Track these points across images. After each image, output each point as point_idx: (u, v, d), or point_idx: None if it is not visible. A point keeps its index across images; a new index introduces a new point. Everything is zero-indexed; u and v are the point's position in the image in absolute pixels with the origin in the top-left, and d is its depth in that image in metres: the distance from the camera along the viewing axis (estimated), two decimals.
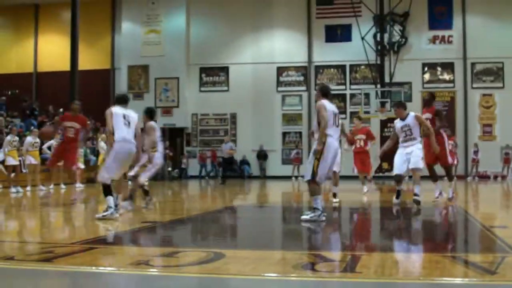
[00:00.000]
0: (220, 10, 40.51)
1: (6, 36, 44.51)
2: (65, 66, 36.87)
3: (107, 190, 11.46)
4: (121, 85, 41.20)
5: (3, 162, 24.71)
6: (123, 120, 11.75)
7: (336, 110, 11.23)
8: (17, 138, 23.58)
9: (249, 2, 40.21)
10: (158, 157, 13.54)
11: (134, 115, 11.98)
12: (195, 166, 39.79)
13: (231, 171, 30.13)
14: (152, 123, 13.56)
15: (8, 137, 23.55)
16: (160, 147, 13.75)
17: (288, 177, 37.05)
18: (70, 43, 35.74)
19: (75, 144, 16.27)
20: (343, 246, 8.70)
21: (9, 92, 37.80)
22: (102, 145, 28.75)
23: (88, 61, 40.03)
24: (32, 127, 27.38)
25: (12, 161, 23.26)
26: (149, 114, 13.85)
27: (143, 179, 13.31)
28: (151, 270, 6.25)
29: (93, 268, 6.23)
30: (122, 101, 12.19)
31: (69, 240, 8.89)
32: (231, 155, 30.17)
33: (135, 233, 9.85)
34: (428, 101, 16.63)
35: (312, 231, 10.25)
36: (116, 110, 11.86)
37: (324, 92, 11.48)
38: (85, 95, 36.33)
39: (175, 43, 40.29)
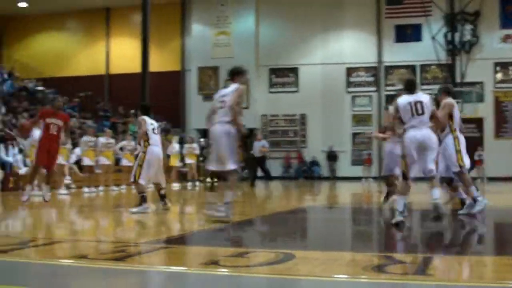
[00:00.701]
0: (289, 11, 40.51)
1: (78, 39, 45.28)
2: (136, 68, 37.29)
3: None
4: (191, 86, 41.55)
5: (77, 162, 25.15)
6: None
7: None
8: (93, 139, 23.92)
9: (319, 3, 40.12)
10: (150, 152, 13.38)
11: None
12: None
13: (263, 171, 28.78)
14: (141, 117, 13.69)
15: (84, 138, 23.93)
16: (153, 140, 13.62)
17: (358, 178, 36.87)
18: (141, 45, 36.14)
19: (57, 144, 16.00)
20: (414, 247, 8.62)
21: (82, 94, 38.45)
22: (174, 146, 29.03)
23: (159, 63, 40.43)
24: (104, 128, 27.78)
25: (88, 161, 23.63)
26: (142, 109, 14.39)
27: (142, 181, 13.29)
28: (222, 270, 6.28)
29: (164, 267, 6.30)
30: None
31: (141, 239, 9.00)
32: (263, 154, 28.74)
33: (205, 233, 9.91)
34: None
35: (382, 233, 10.18)
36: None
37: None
38: (156, 97, 36.76)
39: (245, 44, 40.45)
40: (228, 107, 10.80)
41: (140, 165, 13.04)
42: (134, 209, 12.80)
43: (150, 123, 13.48)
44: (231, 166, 10.62)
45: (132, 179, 13.32)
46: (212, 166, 11.11)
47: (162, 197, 13.66)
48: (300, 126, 40.02)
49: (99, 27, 44.41)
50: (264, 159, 28.61)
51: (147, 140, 13.22)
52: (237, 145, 10.73)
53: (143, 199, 12.92)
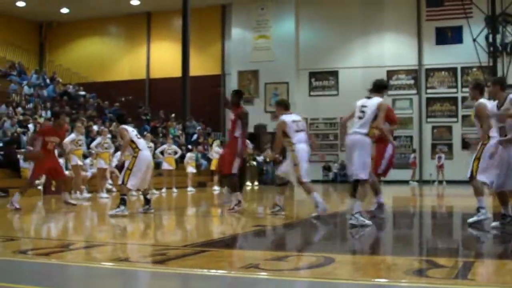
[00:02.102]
0: (329, 14, 40.47)
1: (120, 44, 45.69)
2: (177, 72, 37.65)
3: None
4: (231, 90, 41.66)
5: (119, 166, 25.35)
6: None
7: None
8: (152, 144, 24.12)
9: (358, 6, 40.02)
10: (139, 157, 13.42)
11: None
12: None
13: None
14: (121, 126, 13.75)
15: None
16: (141, 145, 13.66)
17: (401, 182, 36.64)
18: (182, 49, 36.48)
19: (54, 156, 15.97)
20: (456, 252, 8.57)
21: (123, 98, 38.75)
22: (216, 150, 29.07)
23: (199, 67, 40.61)
24: (145, 132, 27.96)
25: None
26: (119, 118, 14.90)
27: (130, 185, 13.30)
28: (262, 273, 6.29)
29: (205, 270, 6.32)
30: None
31: (182, 242, 9.05)
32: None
33: (245, 237, 9.94)
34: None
35: (423, 236, 10.12)
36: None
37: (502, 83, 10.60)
38: (196, 100, 36.97)
39: (285, 48, 40.49)
40: (368, 121, 10.86)
41: (130, 169, 13.10)
42: (112, 212, 12.92)
43: (131, 130, 13.65)
44: (360, 175, 10.60)
45: (120, 182, 13.40)
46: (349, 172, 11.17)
47: (147, 201, 13.85)
48: (340, 129, 39.93)
49: (140, 32, 44.72)
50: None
51: (136, 146, 13.34)
52: (370, 156, 10.93)
53: (122, 201, 13.00)
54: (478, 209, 10.53)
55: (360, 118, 10.94)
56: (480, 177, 10.46)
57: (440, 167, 37.00)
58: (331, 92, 40.25)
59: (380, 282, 5.90)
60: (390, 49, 39.91)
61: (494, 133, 10.21)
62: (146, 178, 13.75)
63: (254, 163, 33.18)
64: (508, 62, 37.00)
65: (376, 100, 11.00)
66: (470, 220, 10.58)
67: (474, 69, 38.32)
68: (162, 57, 43.72)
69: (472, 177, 10.48)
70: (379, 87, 11.53)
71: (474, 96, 10.76)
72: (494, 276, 6.41)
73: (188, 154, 28.53)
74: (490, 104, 10.31)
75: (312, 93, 40.73)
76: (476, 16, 37.27)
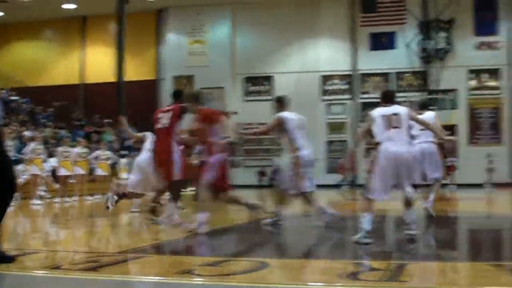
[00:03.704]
0: (265, 19, 40.54)
1: (54, 48, 45.03)
2: (112, 77, 37.27)
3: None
4: (166, 95, 41.48)
5: (52, 172, 25.02)
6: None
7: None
8: (69, 149, 23.82)
9: (294, 12, 40.21)
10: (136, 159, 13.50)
11: None
12: (242, 175, 39.65)
13: None
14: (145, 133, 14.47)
15: (60, 148, 23.80)
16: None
17: (333, 186, 36.99)
18: (116, 54, 36.13)
19: None
20: (389, 254, 8.65)
21: (57, 104, 38.27)
22: None
23: (134, 72, 40.29)
24: (78, 138, 27.68)
25: (64, 171, 23.53)
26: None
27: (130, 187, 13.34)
28: (197, 279, 6.27)
29: (138, 277, 6.27)
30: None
31: (115, 249, 8.97)
32: None
33: (180, 242, 9.89)
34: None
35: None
36: None
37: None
38: (131, 106, 36.64)
39: (220, 53, 40.46)
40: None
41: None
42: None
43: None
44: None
45: None
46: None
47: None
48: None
49: (74, 36, 44.18)
50: None
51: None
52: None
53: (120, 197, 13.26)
54: None
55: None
56: None
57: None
58: (267, 97, 40.21)
59: (314, 285, 5.92)
60: (325, 54, 40.18)
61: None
62: (144, 182, 13.51)
63: None
64: (440, 68, 37.58)
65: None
66: None
67: (408, 74, 38.82)
68: (97, 62, 43.27)
69: None
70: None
71: None
72: (426, 277, 6.49)
73: (122, 160, 28.28)
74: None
75: (247, 98, 40.73)
76: (410, 22, 37.79)
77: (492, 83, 37.92)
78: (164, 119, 12.30)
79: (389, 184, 9.24)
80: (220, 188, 11.15)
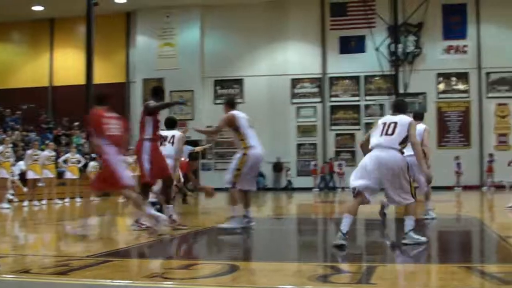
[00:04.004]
0: (235, 22, 40.57)
1: (22, 50, 44.72)
2: (81, 80, 37.07)
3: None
4: (136, 98, 41.33)
5: (21, 176, 24.84)
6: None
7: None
8: (38, 152, 23.63)
9: (263, 15, 40.28)
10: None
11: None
12: (210, 178, 39.55)
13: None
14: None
15: (29, 151, 23.62)
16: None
17: (303, 189, 37.13)
18: (85, 57, 35.92)
19: None
20: (359, 257, 8.68)
21: (25, 107, 37.97)
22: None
23: (103, 74, 40.13)
24: (47, 141, 27.49)
25: (33, 175, 23.36)
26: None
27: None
28: (166, 283, 6.25)
29: (108, 281, 6.24)
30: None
31: (85, 253, 8.92)
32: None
33: (150, 246, 9.86)
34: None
35: (327, 243, 10.23)
36: None
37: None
38: None
39: (190, 56, 40.42)
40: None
41: None
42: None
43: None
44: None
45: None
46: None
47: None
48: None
49: (43, 38, 43.87)
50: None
51: None
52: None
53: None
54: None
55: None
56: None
57: (341, 174, 37.78)
58: (236, 100, 40.27)
59: None
60: (295, 58, 40.30)
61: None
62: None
63: None
64: (409, 71, 37.82)
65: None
66: None
67: (377, 78, 39.05)
68: (66, 64, 43.00)
69: None
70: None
71: None
72: (396, 280, 6.52)
73: (92, 163, 28.15)
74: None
75: (217, 101, 40.62)
76: (379, 26, 38.01)
77: (461, 87, 38.27)
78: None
79: (369, 178, 9.07)
80: (111, 186, 11.03)
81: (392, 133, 9.20)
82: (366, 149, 9.44)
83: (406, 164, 9.14)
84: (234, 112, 11.97)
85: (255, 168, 11.99)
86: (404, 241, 9.05)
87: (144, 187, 11.71)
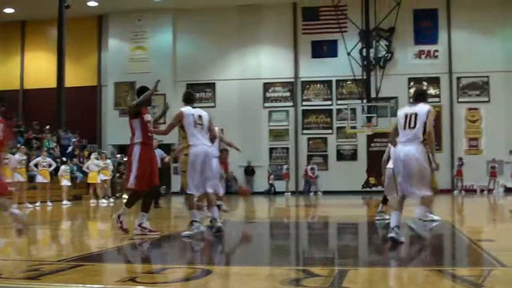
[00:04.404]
0: (207, 26, 40.50)
1: None
2: (52, 83, 36.88)
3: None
4: (108, 101, 41.17)
5: None
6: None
7: None
8: (9, 156, 23.37)
9: (236, 19, 40.29)
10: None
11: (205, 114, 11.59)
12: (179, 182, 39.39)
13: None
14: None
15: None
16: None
17: (276, 193, 37.24)
18: (57, 60, 35.78)
19: None
20: (331, 261, 8.70)
21: None
22: (96, 162, 28.83)
23: (75, 78, 39.99)
24: (18, 144, 27.28)
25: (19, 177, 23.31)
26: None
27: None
28: (139, 287, 6.23)
29: (80, 285, 6.21)
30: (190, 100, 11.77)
31: (56, 257, 8.86)
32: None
33: (122, 250, 9.82)
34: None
35: (300, 246, 10.24)
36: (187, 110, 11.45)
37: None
38: (72, 112, 36.32)
39: (162, 59, 40.28)
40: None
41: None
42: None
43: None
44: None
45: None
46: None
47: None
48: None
49: (14, 41, 43.51)
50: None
51: None
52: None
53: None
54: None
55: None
56: None
57: (313, 178, 37.86)
58: (209, 104, 40.16)
59: None
60: (267, 62, 40.35)
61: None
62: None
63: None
64: (381, 75, 37.98)
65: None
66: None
67: (349, 82, 39.19)
68: (37, 67, 42.71)
69: None
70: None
71: None
72: (368, 283, 6.54)
73: (63, 167, 28.00)
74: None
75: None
76: (351, 31, 38.11)
77: (432, 91, 38.46)
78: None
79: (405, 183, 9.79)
80: None
81: (414, 126, 9.68)
82: (394, 141, 10.07)
83: (427, 158, 9.72)
84: (184, 108, 11.43)
85: (199, 167, 11.09)
86: (408, 223, 9.77)
87: (133, 196, 11.49)
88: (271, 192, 38.70)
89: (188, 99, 11.84)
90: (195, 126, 11.28)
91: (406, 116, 9.82)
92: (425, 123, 9.63)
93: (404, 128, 9.77)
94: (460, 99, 38.61)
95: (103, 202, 27.60)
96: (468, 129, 38.15)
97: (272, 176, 39.40)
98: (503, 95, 37.45)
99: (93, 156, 29.73)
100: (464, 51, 38.09)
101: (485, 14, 38.15)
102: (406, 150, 9.66)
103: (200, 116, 11.49)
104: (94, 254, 9.43)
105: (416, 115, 9.72)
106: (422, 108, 9.80)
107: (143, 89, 12.11)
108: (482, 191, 36.08)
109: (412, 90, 38.46)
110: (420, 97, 10.12)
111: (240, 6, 40.17)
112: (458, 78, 38.62)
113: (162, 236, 11.43)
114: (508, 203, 25.20)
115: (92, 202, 27.54)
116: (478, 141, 38.27)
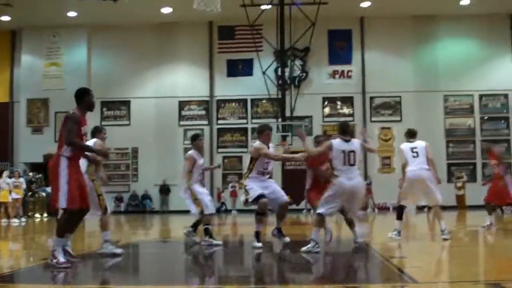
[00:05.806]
0: (123, 43, 40.25)
1: None
2: None
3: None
4: (20, 118, 40.44)
5: None
6: None
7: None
8: None
9: (152, 37, 40.17)
10: None
11: None
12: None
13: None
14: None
15: None
16: None
17: (187, 211, 37.07)
18: None
19: None
20: (248, 279, 8.71)
21: None
22: (8, 181, 28.29)
23: None
24: None
25: None
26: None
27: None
28: None
29: None
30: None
31: None
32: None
33: (34, 270, 9.64)
34: None
35: (211, 264, 10.23)
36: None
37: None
38: None
39: (77, 76, 39.69)
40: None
41: None
42: None
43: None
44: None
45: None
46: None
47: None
48: (132, 160, 39.72)
49: None
50: None
51: None
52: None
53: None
54: None
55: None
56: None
57: (233, 195, 37.92)
58: (123, 122, 39.92)
59: None
60: (183, 80, 40.30)
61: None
62: None
63: (44, 194, 32.22)
64: (295, 95, 38.38)
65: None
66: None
67: (264, 101, 39.45)
68: None
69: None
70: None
71: None
72: None
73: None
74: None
75: (103, 123, 39.98)
76: (266, 50, 38.43)
77: (346, 110, 39.07)
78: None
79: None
80: None
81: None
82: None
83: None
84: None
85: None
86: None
87: (71, 215, 9.53)
88: (221, 211, 38.28)
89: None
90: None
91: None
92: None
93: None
94: (373, 118, 39.30)
95: (15, 221, 27.05)
96: (381, 148, 38.73)
97: (223, 195, 39.26)
98: (414, 115, 38.15)
99: (5, 174, 29.12)
100: (377, 72, 38.82)
101: (397, 36, 39.06)
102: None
103: None
104: (5, 274, 9.23)
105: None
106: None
107: (81, 93, 10.56)
108: (394, 208, 36.60)
109: (326, 110, 39.05)
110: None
111: (157, 24, 40.04)
112: (371, 98, 39.32)
113: (76, 256, 11.27)
114: (420, 221, 25.75)
115: (4, 221, 26.97)
116: (390, 160, 38.91)
